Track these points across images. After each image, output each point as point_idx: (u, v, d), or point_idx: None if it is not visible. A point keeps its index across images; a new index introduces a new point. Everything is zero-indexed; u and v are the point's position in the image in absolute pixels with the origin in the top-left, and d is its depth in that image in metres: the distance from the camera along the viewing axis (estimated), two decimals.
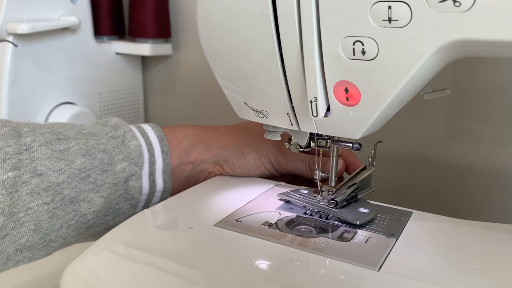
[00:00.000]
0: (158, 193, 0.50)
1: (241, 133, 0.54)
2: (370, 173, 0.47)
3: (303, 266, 0.36)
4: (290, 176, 0.57)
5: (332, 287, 0.33)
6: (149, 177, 0.49)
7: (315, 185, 0.47)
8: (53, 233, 0.42)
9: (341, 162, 0.51)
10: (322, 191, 0.46)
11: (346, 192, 0.45)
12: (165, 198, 0.51)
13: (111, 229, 0.41)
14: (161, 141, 0.50)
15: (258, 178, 0.54)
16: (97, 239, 0.40)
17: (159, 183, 0.50)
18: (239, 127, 0.56)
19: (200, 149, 0.53)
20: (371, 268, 0.35)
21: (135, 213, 0.45)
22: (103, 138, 0.46)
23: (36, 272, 0.49)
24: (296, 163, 0.53)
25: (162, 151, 0.50)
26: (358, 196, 0.46)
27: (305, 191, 0.48)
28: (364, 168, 0.47)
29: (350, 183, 0.45)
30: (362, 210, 0.44)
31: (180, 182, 0.52)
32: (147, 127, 0.51)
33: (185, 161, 0.52)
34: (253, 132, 0.54)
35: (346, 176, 0.48)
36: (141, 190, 0.48)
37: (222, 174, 0.54)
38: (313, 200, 0.46)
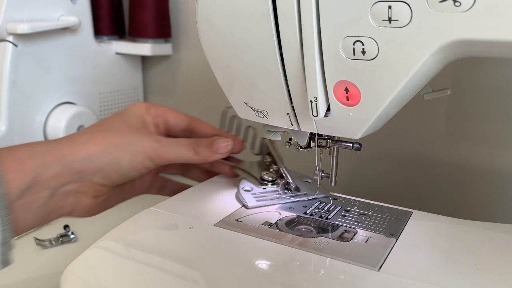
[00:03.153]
0: None
1: (107, 135, 0.45)
2: (268, 140, 0.49)
3: (303, 266, 0.36)
4: (179, 166, 0.54)
5: (332, 287, 0.33)
6: None
7: (209, 174, 0.51)
8: None
9: (228, 143, 0.49)
10: (273, 181, 0.48)
11: (285, 172, 0.48)
12: (8, 236, 0.37)
13: None
14: None
15: None
16: None
17: None
18: (102, 128, 0.47)
19: (55, 169, 0.41)
20: (371, 268, 0.35)
21: None
22: None
23: (36, 272, 0.49)
24: (178, 150, 0.47)
25: None
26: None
27: (260, 189, 0.48)
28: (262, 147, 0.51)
29: (274, 162, 0.49)
30: (306, 180, 0.49)
31: (34, 215, 0.41)
32: None
33: (34, 187, 0.40)
34: (120, 130, 0.46)
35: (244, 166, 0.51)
36: None
37: (98, 189, 0.45)
38: (281, 195, 0.47)
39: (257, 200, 0.46)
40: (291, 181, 0.48)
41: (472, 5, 0.28)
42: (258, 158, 0.52)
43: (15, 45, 0.65)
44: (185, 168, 0.54)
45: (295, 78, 0.36)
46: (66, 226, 0.58)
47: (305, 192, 0.47)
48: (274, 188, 0.48)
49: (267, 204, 0.46)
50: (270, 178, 0.48)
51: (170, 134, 0.51)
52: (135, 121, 0.48)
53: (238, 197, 0.47)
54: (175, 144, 0.47)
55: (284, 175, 0.48)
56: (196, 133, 0.51)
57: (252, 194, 0.47)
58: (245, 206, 0.45)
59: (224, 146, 0.48)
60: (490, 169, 0.58)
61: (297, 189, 0.48)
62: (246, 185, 0.48)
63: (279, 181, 0.48)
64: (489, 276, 0.34)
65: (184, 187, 0.52)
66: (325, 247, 0.38)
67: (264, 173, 0.49)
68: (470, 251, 0.38)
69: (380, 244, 0.39)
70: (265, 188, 0.48)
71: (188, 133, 0.51)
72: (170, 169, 0.53)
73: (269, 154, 0.50)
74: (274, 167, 0.49)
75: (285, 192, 0.47)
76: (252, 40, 0.36)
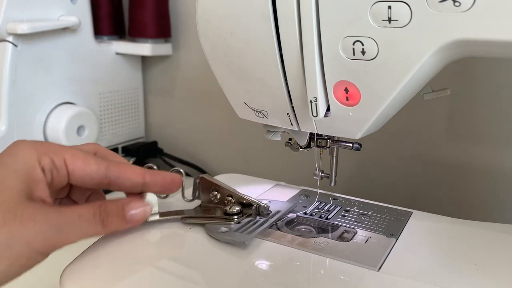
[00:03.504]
0: None
1: None
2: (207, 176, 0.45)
3: (303, 266, 0.36)
4: None
5: (332, 287, 0.33)
6: None
7: None
8: None
9: (146, 209, 0.38)
10: (239, 212, 0.42)
11: (248, 198, 0.43)
12: None
13: None
14: None
15: (258, 178, 0.54)
16: None
17: None
18: None
19: None
20: (371, 268, 0.35)
21: None
22: None
23: (36, 272, 0.49)
24: (81, 228, 0.34)
25: None
26: None
27: (235, 225, 0.41)
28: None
29: (226, 195, 0.43)
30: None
31: None
32: None
33: None
34: None
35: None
36: None
37: None
38: (256, 223, 0.42)
39: (247, 234, 0.39)
40: (261, 204, 0.43)
41: (472, 5, 0.28)
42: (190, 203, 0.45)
43: (15, 45, 0.65)
44: None
45: (295, 78, 0.36)
46: None
47: (278, 210, 0.44)
48: (247, 219, 0.42)
49: (259, 231, 0.40)
50: (237, 209, 0.42)
51: (76, 185, 0.37)
52: (14, 190, 0.32)
53: (223, 241, 0.39)
54: (75, 221, 0.33)
55: (247, 201, 0.43)
56: (119, 185, 0.38)
57: (235, 231, 0.40)
58: (242, 245, 0.39)
59: (140, 213, 0.37)
60: (490, 169, 0.58)
61: (268, 210, 0.43)
62: (218, 228, 0.40)
63: (245, 210, 0.42)
64: (489, 276, 0.34)
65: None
66: (325, 247, 0.38)
67: (225, 208, 0.42)
68: (470, 251, 0.38)
69: (380, 244, 0.39)
70: (239, 222, 0.41)
71: (106, 187, 0.38)
72: None
73: (215, 189, 0.44)
74: (230, 198, 0.43)
75: (260, 218, 0.42)
76: (252, 40, 0.36)
